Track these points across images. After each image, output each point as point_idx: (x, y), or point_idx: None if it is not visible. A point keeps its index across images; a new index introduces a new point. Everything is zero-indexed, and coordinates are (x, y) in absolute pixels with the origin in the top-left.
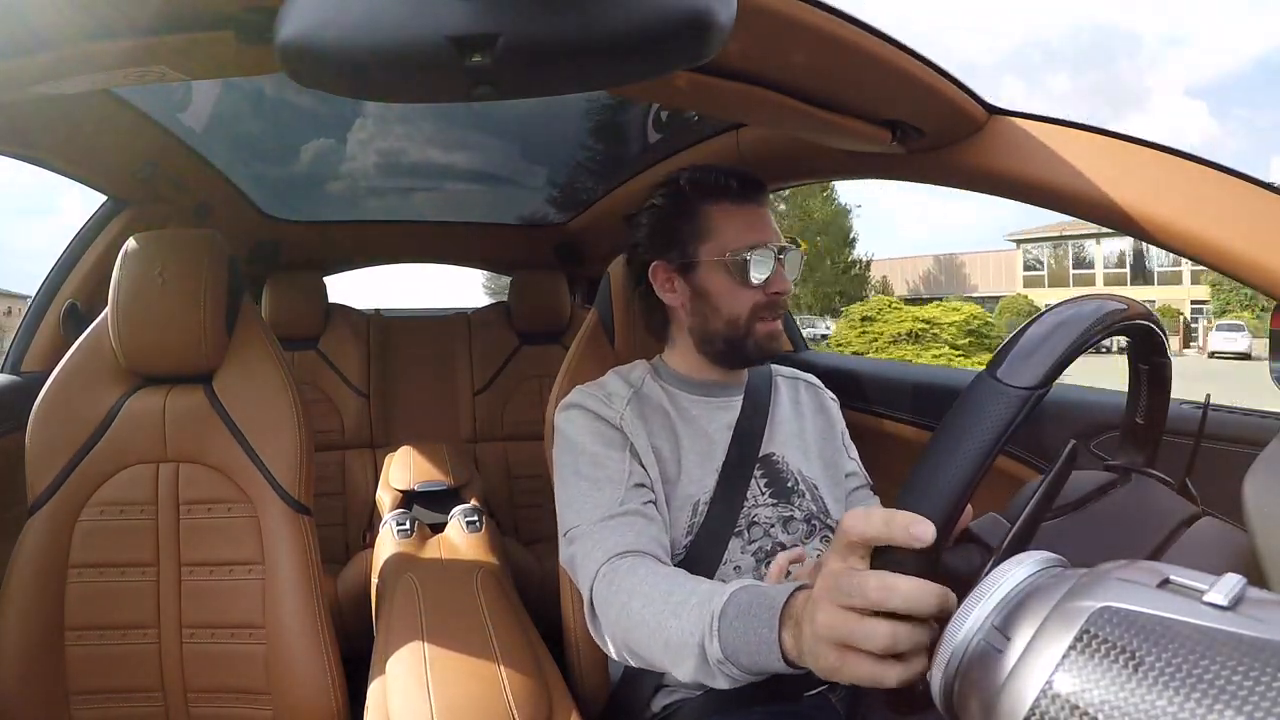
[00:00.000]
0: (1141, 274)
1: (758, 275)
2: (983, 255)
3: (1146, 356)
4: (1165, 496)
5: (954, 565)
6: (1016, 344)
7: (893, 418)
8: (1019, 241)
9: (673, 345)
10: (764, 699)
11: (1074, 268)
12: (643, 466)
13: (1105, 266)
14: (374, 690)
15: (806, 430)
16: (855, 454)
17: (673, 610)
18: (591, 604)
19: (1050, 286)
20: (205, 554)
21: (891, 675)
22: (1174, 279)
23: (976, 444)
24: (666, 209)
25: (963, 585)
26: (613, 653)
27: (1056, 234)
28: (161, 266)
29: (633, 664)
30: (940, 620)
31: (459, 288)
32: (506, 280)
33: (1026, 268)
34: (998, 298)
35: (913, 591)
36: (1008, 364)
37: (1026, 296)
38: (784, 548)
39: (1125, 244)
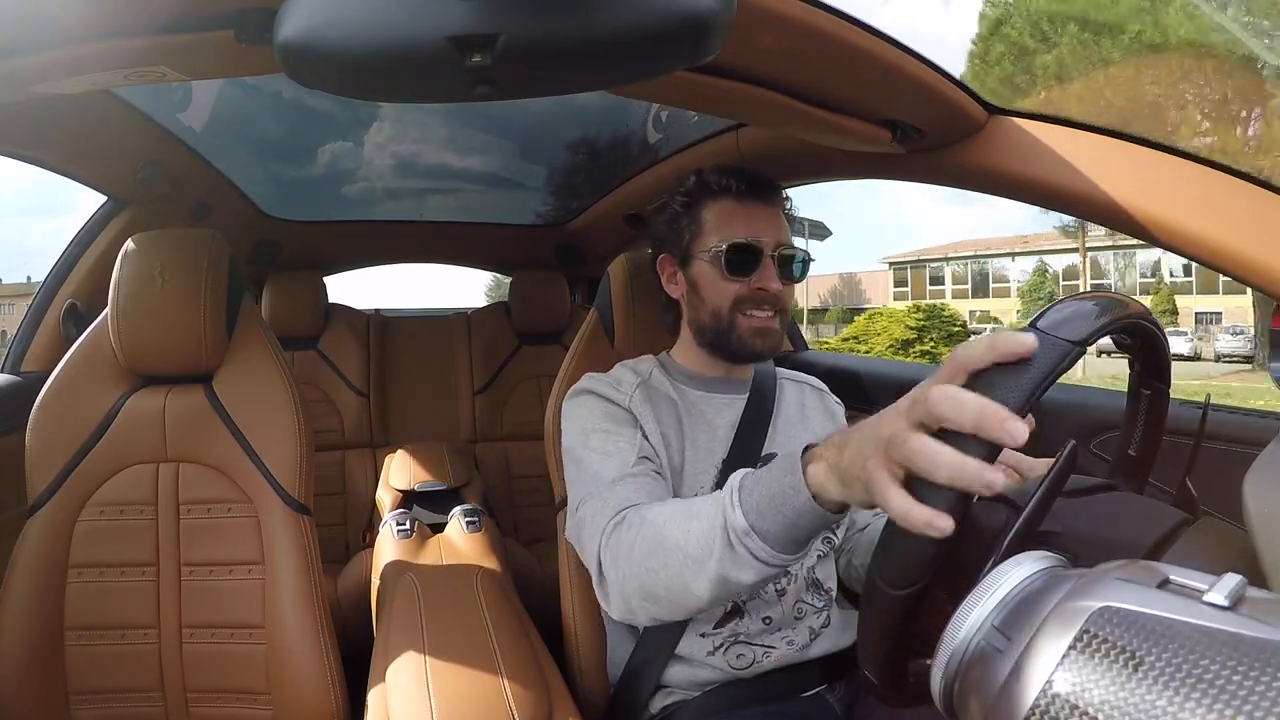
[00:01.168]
0: (981, 290)
1: (739, 269)
2: (872, 274)
3: (1149, 379)
4: (1158, 504)
5: (983, 521)
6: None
7: None
8: (891, 264)
9: (680, 339)
10: (762, 699)
11: (930, 284)
12: (651, 446)
13: (954, 283)
14: (374, 690)
15: (811, 432)
16: None
17: (689, 515)
18: (599, 561)
19: (913, 299)
20: (205, 554)
21: (918, 517)
22: (1004, 293)
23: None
24: (677, 205)
25: (987, 541)
26: (621, 607)
27: (914, 258)
28: (161, 266)
29: (643, 618)
30: (990, 455)
31: (459, 289)
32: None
33: (896, 284)
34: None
35: (980, 405)
36: (1053, 321)
37: (890, 308)
38: None
39: (973, 265)
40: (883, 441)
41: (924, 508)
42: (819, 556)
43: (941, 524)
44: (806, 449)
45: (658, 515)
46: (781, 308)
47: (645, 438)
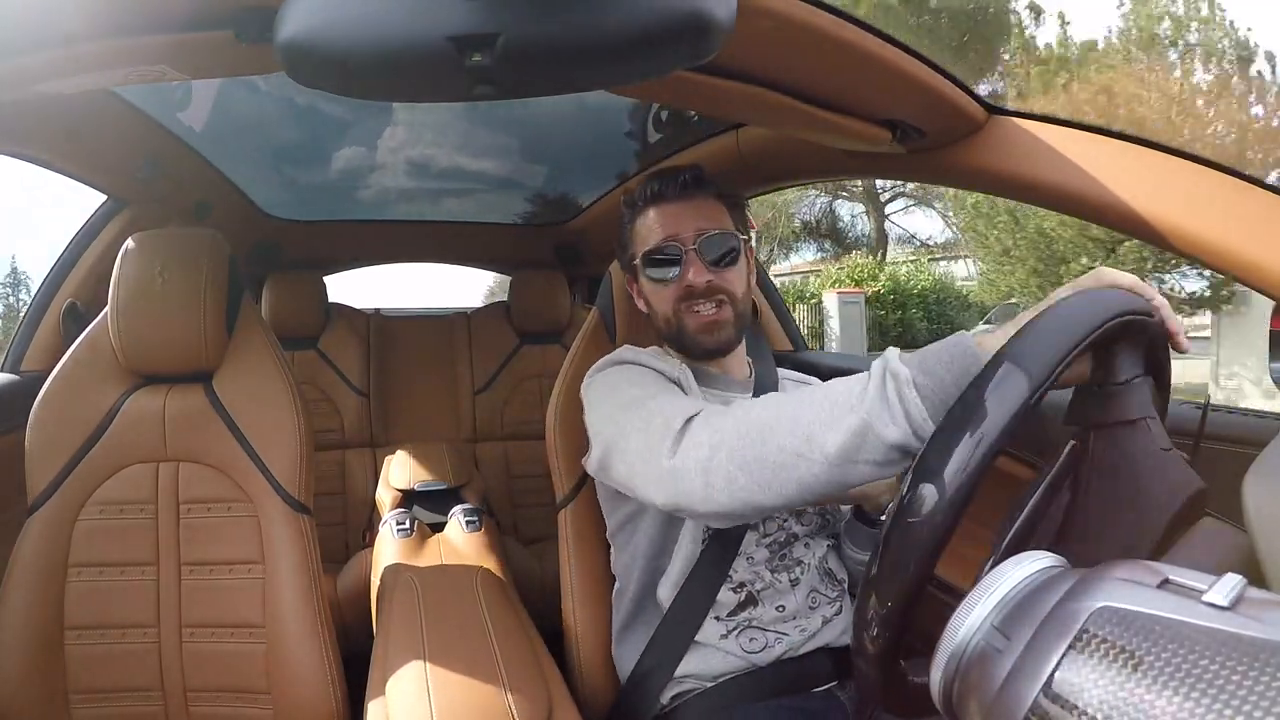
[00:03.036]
0: None
1: (660, 273)
2: None
3: (1153, 354)
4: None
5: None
6: None
7: None
8: None
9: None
10: (773, 693)
11: None
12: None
13: None
14: (373, 690)
15: None
16: None
17: (813, 393)
18: (675, 444)
19: None
20: (205, 553)
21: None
22: None
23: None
24: (623, 222)
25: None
26: (697, 484)
27: None
28: (161, 266)
29: (722, 497)
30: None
31: (458, 290)
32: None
33: None
34: None
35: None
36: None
37: None
38: (796, 539)
39: None
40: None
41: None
42: (829, 546)
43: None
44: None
45: (766, 399)
46: (726, 297)
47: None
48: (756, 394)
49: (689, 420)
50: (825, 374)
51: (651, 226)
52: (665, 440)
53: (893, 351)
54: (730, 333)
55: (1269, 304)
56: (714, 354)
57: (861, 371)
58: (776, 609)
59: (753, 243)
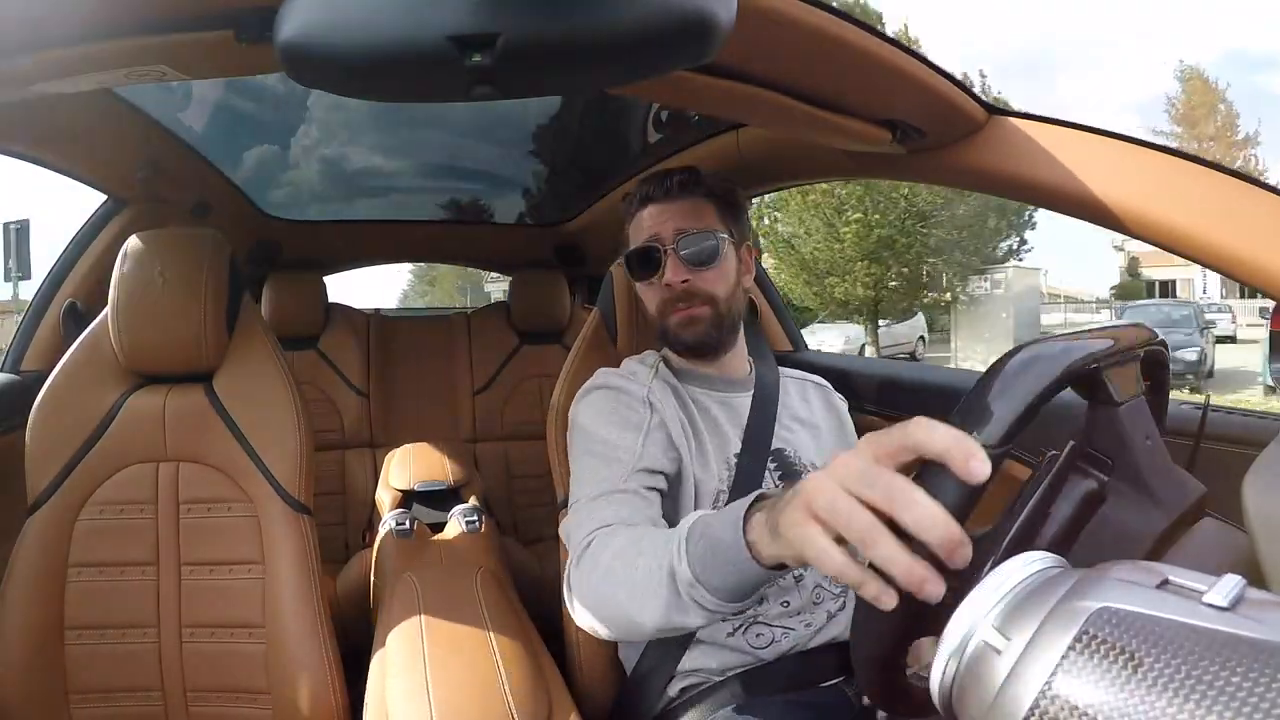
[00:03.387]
0: None
1: (643, 274)
2: None
3: (1151, 370)
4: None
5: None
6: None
7: (892, 417)
8: None
9: None
10: (779, 688)
11: None
12: (669, 438)
13: None
14: (373, 690)
15: (818, 428)
16: None
17: (639, 551)
18: (568, 577)
19: None
20: (205, 553)
21: (853, 576)
22: None
23: (1040, 378)
24: (624, 222)
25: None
26: (584, 623)
27: None
28: (161, 266)
29: (603, 633)
30: (940, 567)
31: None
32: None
33: None
34: None
35: (931, 513)
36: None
37: None
38: None
39: None
40: (808, 500)
41: (858, 573)
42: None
43: (875, 594)
44: (755, 501)
45: (620, 544)
46: (705, 298)
47: (665, 429)
48: (758, 392)
49: (576, 554)
50: (823, 374)
51: (639, 227)
52: (569, 560)
53: (683, 529)
54: (707, 329)
55: (995, 301)
56: (696, 350)
57: (849, 371)
58: (781, 604)
59: (751, 241)
